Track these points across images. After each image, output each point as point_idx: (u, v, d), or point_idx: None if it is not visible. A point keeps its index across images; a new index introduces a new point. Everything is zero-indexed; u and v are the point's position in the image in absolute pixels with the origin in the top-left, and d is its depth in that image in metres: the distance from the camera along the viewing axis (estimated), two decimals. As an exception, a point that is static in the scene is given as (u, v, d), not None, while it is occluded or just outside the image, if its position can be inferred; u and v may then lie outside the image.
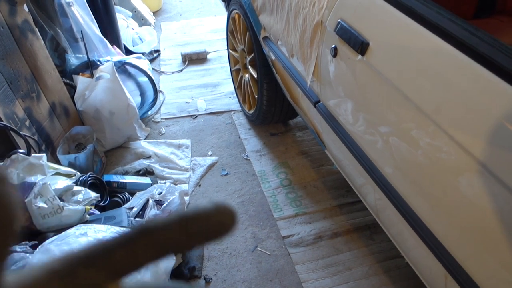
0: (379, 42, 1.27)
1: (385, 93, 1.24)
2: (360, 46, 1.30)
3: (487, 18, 2.07)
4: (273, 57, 2.13)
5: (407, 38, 1.19)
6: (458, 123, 0.99)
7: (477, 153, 0.93)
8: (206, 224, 0.27)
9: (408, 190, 1.24)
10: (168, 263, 1.50)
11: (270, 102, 2.50)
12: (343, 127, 1.54)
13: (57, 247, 1.37)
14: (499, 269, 0.94)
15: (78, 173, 2.04)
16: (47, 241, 1.43)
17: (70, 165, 2.22)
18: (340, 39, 1.41)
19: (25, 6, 2.17)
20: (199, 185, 2.44)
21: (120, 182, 2.24)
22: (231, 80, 3.17)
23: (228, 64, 3.16)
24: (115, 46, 3.09)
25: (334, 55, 1.46)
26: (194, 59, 3.76)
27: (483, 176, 0.93)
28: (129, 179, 2.30)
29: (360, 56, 1.32)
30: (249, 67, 2.65)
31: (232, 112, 3.05)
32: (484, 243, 0.97)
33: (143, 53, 3.58)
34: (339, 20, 1.42)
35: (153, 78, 2.91)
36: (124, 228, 1.59)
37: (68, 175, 1.97)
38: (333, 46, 1.46)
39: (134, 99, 2.71)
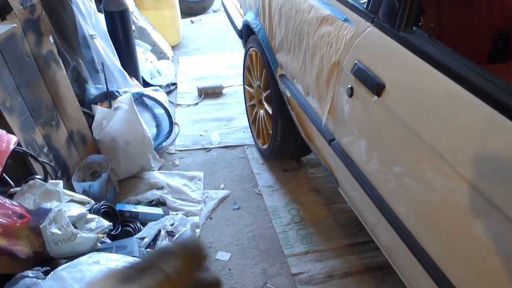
0: (395, 84, 1.30)
1: (400, 134, 1.26)
2: (376, 87, 1.33)
3: (501, 63, 2.10)
4: (288, 95, 2.17)
5: (422, 81, 1.21)
6: (473, 166, 1.00)
7: (493, 197, 0.94)
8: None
9: (421, 231, 1.24)
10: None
11: (284, 138, 2.53)
12: (357, 166, 1.55)
13: (69, 274, 1.38)
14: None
15: (92, 201, 2.06)
16: (59, 268, 1.44)
17: (84, 192, 2.24)
18: (357, 79, 1.45)
19: (50, 37, 2.25)
20: (210, 218, 2.45)
21: (133, 211, 2.25)
22: (245, 115, 3.22)
23: (243, 99, 3.21)
24: (133, 78, 3.16)
25: (350, 95, 1.49)
26: (210, 93, 3.82)
27: (499, 221, 0.93)
28: (141, 209, 2.31)
29: (376, 97, 1.34)
30: (265, 103, 2.69)
31: (246, 146, 3.08)
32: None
33: (160, 86, 3.65)
34: (355, 61, 1.46)
35: (169, 110, 2.96)
36: (135, 258, 1.60)
37: (82, 203, 1.99)
38: (349, 86, 1.49)
39: (150, 130, 2.76)
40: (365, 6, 1.50)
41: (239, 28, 2.95)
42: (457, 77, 1.08)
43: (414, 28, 1.32)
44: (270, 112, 2.57)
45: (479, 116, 1.02)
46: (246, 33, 2.84)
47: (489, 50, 2.15)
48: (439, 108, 1.13)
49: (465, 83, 1.06)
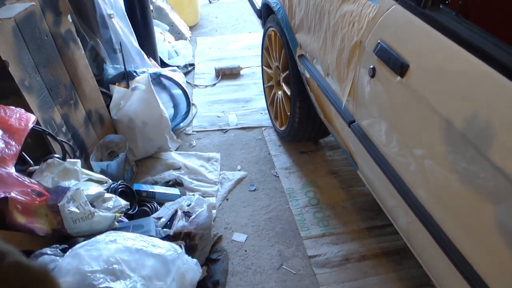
0: (419, 64, 1.25)
1: (424, 116, 1.22)
2: (400, 67, 1.29)
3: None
4: (307, 75, 2.13)
5: (449, 61, 1.17)
6: (499, 149, 0.96)
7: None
8: None
9: (442, 215, 1.21)
10: (194, 275, 1.50)
11: (302, 120, 2.50)
12: (378, 148, 1.52)
13: (87, 252, 1.39)
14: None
15: (110, 181, 2.07)
16: (77, 246, 1.45)
17: (102, 172, 2.26)
18: (379, 60, 1.41)
19: (69, 16, 2.24)
20: (227, 199, 2.44)
21: (150, 191, 2.26)
22: (263, 96, 3.19)
23: (261, 80, 3.18)
24: (151, 58, 3.15)
25: (372, 76, 1.45)
26: (228, 74, 3.80)
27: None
28: (158, 189, 2.31)
29: (399, 78, 1.30)
30: (283, 84, 2.66)
31: (263, 128, 3.06)
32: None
33: (178, 66, 3.64)
34: (378, 41, 1.41)
35: (187, 91, 2.95)
36: (153, 237, 1.60)
37: (100, 182, 2.00)
38: (371, 66, 1.45)
39: (167, 111, 2.75)
40: (389, -17, 1.45)
41: (258, 8, 2.91)
42: (487, 57, 1.04)
43: (441, 6, 1.27)
44: (289, 94, 2.54)
45: (509, 99, 0.97)
46: (265, 12, 2.80)
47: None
48: (466, 90, 1.09)
49: (495, 63, 1.02)
